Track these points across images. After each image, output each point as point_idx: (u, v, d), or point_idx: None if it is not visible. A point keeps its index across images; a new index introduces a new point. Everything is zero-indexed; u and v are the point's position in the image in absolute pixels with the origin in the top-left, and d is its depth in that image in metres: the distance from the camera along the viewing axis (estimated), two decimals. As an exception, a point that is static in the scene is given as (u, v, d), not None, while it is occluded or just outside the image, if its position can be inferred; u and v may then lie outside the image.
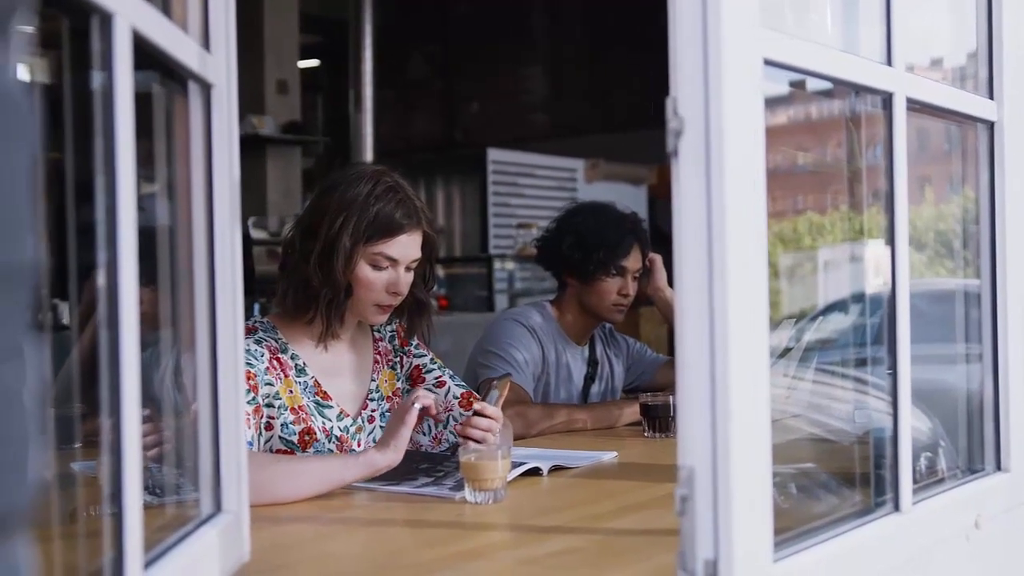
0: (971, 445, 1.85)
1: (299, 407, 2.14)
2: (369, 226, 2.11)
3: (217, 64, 1.33)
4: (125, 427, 0.99)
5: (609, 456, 2.33)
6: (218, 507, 1.35)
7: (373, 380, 2.30)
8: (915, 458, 1.58)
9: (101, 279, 0.98)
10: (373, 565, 1.56)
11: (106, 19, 0.97)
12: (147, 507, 1.06)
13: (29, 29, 0.63)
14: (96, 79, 0.98)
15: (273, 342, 2.17)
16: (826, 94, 1.68)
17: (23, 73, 0.61)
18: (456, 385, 2.34)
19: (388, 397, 2.31)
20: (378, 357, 2.33)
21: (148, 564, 1.08)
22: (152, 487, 1.33)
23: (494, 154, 7.97)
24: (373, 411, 2.28)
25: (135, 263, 1.00)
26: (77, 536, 1.18)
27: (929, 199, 2.06)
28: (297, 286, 2.15)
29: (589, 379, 3.10)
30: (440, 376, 2.35)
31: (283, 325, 2.21)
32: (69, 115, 1.07)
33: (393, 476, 2.03)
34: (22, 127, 0.59)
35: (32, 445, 0.58)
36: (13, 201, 0.57)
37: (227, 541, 1.33)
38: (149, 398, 1.14)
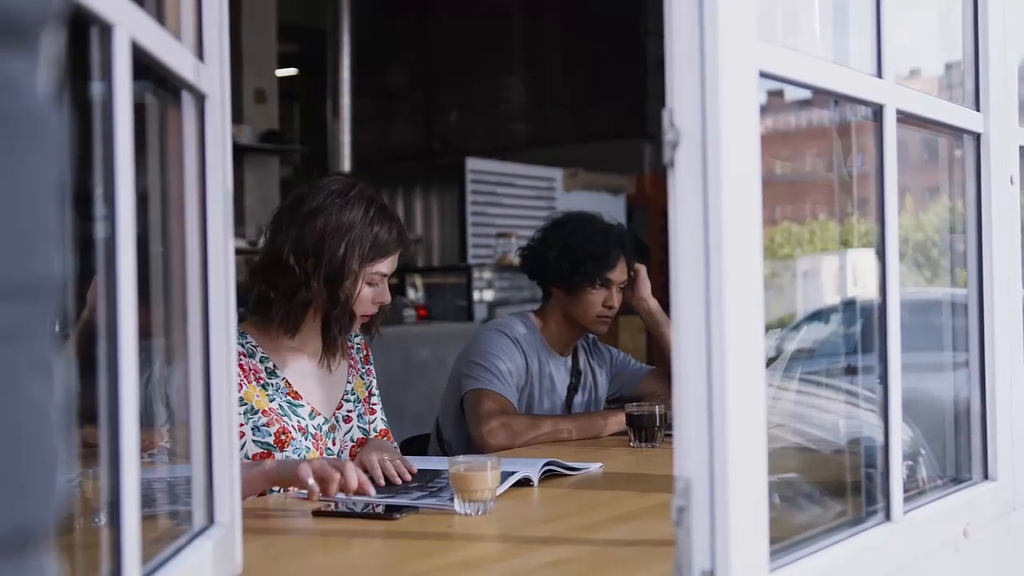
0: (958, 454, 1.86)
1: (269, 409, 2.20)
2: (372, 248, 2.23)
3: (211, 74, 1.33)
4: (123, 439, 0.99)
5: (595, 467, 2.33)
6: (211, 520, 1.35)
7: (349, 382, 2.39)
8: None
9: (100, 290, 0.97)
10: (364, 577, 1.56)
11: (106, 30, 0.96)
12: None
13: (56, 44, 0.63)
14: (95, 89, 0.98)
15: (239, 347, 2.21)
16: (804, 104, 1.68)
17: (50, 86, 0.61)
18: (381, 419, 2.46)
19: (364, 400, 2.42)
20: (352, 363, 2.42)
21: (144, 578, 1.07)
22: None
23: (473, 163, 7.96)
24: (349, 411, 2.37)
25: (133, 273, 1.00)
26: (72, 548, 1.16)
27: (907, 209, 2.08)
28: (301, 306, 2.22)
29: (572, 389, 3.10)
30: (375, 405, 2.47)
31: (257, 331, 2.28)
32: (65, 124, 1.06)
33: (388, 490, 2.02)
34: (51, 143, 0.59)
35: (58, 459, 0.58)
36: (43, 216, 0.57)
37: (220, 554, 1.33)
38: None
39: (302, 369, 2.30)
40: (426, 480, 2.11)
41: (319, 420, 2.28)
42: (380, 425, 2.44)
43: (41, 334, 0.57)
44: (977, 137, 1.81)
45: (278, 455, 2.17)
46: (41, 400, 0.56)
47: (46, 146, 0.59)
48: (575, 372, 3.11)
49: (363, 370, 2.44)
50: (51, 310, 0.58)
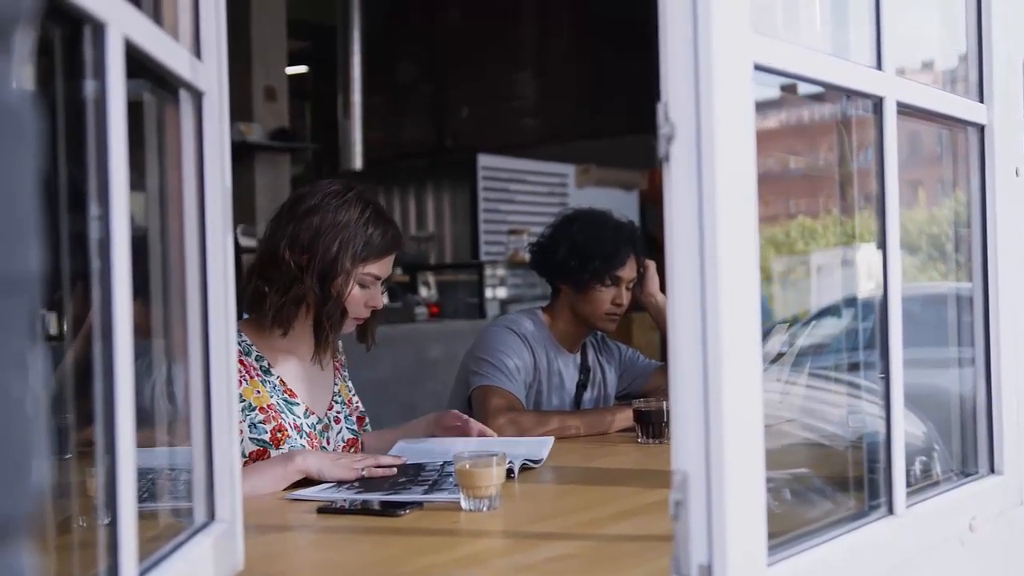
0: (964, 448, 1.85)
1: (268, 406, 2.24)
2: (365, 248, 2.26)
3: (208, 72, 1.33)
4: (119, 437, 0.99)
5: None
6: (212, 516, 1.35)
7: (335, 384, 2.43)
8: (909, 463, 1.58)
9: (95, 290, 0.98)
10: (367, 573, 1.56)
11: (99, 28, 0.96)
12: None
13: (31, 39, 0.63)
14: (88, 87, 0.98)
15: (235, 345, 2.21)
16: (816, 98, 1.68)
17: (25, 82, 0.61)
18: (348, 428, 2.43)
19: (348, 402, 2.45)
20: (337, 366, 2.46)
21: (142, 574, 1.07)
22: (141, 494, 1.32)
23: (484, 160, 7.96)
24: (338, 413, 2.41)
25: (128, 272, 1.00)
26: (70, 547, 1.17)
27: (920, 202, 2.07)
28: (293, 301, 2.24)
29: (581, 386, 3.10)
30: (346, 413, 2.44)
31: (251, 330, 2.31)
32: (60, 124, 1.07)
33: (382, 488, 2.01)
34: (27, 139, 0.59)
35: (35, 452, 0.59)
36: (19, 210, 0.58)
37: (221, 550, 1.33)
38: (141, 409, 1.14)
39: (294, 369, 2.33)
40: (415, 475, 2.11)
41: (313, 419, 2.32)
42: (347, 435, 2.42)
43: (18, 328, 0.57)
44: (981, 129, 1.80)
45: (274, 452, 2.19)
46: (18, 393, 0.57)
47: (21, 142, 0.59)
48: (584, 369, 3.11)
49: (345, 375, 2.49)
50: (29, 304, 0.59)
